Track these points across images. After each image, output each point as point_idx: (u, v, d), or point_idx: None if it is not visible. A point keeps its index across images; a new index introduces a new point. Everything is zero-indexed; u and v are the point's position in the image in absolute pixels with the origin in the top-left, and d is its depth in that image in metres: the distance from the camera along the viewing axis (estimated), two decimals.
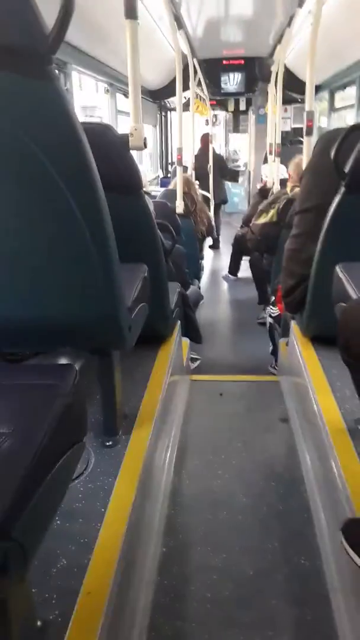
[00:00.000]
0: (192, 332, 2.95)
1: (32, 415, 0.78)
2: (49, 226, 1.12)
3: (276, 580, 1.28)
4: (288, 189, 3.81)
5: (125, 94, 4.94)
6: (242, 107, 8.19)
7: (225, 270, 5.52)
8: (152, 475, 1.50)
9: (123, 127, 4.39)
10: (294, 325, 2.27)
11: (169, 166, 7.96)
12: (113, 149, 1.69)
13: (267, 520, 1.48)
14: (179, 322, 2.48)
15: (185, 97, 4.91)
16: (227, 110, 8.64)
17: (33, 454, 0.71)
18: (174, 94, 4.27)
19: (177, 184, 3.75)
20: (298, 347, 2.09)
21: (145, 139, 1.85)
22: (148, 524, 1.38)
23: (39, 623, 0.87)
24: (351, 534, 1.07)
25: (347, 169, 1.76)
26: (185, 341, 2.71)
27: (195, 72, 5.23)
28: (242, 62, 6.52)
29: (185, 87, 4.43)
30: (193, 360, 3.03)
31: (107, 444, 1.44)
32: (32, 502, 0.67)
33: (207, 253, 6.43)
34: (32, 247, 1.14)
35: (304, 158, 3.02)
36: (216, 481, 1.65)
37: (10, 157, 1.03)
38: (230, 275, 5.41)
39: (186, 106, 5.03)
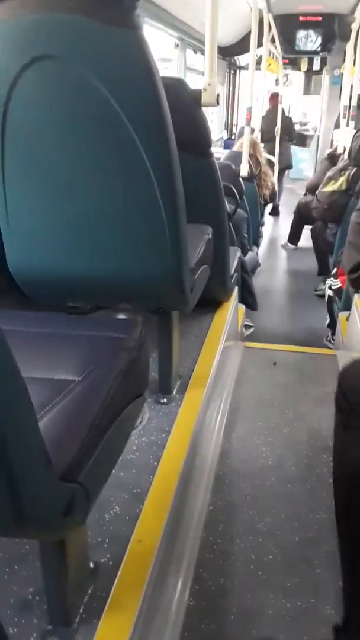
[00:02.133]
0: (249, 298, 2.92)
1: (100, 365, 0.79)
2: (120, 181, 1.11)
3: (322, 551, 1.28)
4: None
5: (195, 50, 4.78)
6: (316, 66, 7.76)
7: (284, 239, 5.38)
8: (203, 435, 1.52)
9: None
10: (357, 300, 2.19)
11: (233, 127, 7.73)
12: (185, 105, 1.65)
13: (315, 491, 1.47)
14: (236, 287, 2.45)
15: (256, 55, 4.70)
16: (299, 69, 8.22)
17: (100, 403, 0.72)
18: (245, 51, 4.11)
19: (244, 145, 3.64)
20: None
21: (218, 95, 1.79)
22: (197, 481, 1.41)
23: (91, 565, 0.92)
24: None
25: None
26: (241, 307, 2.68)
27: (270, 28, 4.98)
28: (320, 18, 6.16)
29: (258, 44, 4.23)
30: (247, 327, 3.01)
31: (162, 401, 1.46)
32: (98, 449, 0.69)
33: (267, 220, 6.27)
34: (101, 200, 1.14)
35: None
36: (266, 447, 1.66)
37: (87, 105, 1.02)
38: (289, 244, 5.26)
39: (257, 64, 4.82)
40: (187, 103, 1.64)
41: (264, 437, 1.71)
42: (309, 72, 8.39)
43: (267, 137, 6.25)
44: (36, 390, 0.55)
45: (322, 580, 1.21)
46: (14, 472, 0.51)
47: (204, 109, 1.73)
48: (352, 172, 3.28)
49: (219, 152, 4.76)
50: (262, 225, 4.94)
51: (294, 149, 8.03)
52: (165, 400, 1.47)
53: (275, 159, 6.41)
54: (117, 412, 0.77)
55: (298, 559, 1.26)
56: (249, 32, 3.69)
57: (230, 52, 6.26)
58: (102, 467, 0.74)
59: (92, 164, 1.10)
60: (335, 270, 3.08)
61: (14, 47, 1.00)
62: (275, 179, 6.11)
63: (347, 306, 2.57)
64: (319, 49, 6.56)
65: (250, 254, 3.46)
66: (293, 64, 7.99)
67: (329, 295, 3.05)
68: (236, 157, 3.68)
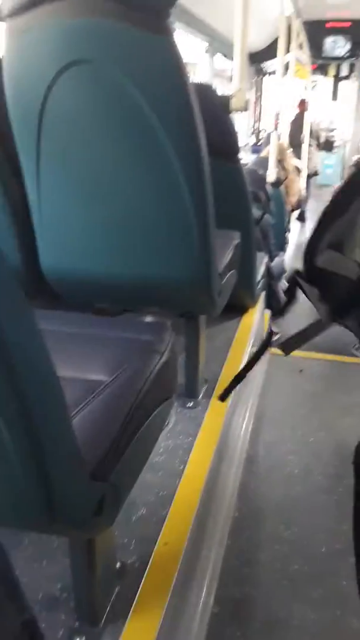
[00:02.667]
0: (274, 304, 2.89)
1: (130, 367, 0.79)
2: (151, 185, 1.12)
3: (349, 563, 1.24)
4: None
5: (225, 55, 4.79)
6: (345, 72, 7.70)
7: None
8: (229, 441, 1.51)
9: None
10: None
11: (260, 133, 7.71)
12: (213, 110, 1.65)
13: (343, 502, 1.45)
14: (263, 292, 2.43)
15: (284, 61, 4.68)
16: (327, 75, 8.16)
17: (130, 404, 0.72)
18: (272, 57, 4.09)
19: (271, 152, 3.62)
20: None
21: (247, 101, 1.79)
22: (223, 487, 1.40)
23: (118, 565, 0.92)
24: None
25: None
26: (267, 313, 2.67)
27: (298, 34, 4.96)
28: (348, 24, 6.11)
29: (286, 50, 4.22)
30: (273, 333, 2.98)
31: (188, 405, 1.46)
32: (128, 450, 0.69)
33: (293, 225, 6.23)
34: (132, 204, 1.15)
35: None
36: (292, 456, 1.64)
37: (120, 109, 1.03)
38: None
39: (285, 70, 4.81)
40: (216, 108, 1.65)
41: (290, 445, 1.69)
42: (337, 78, 8.32)
43: (295, 143, 6.22)
44: (68, 389, 0.55)
45: (349, 593, 1.18)
46: (47, 469, 0.52)
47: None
48: None
49: (245, 158, 4.76)
50: (289, 231, 4.91)
51: (321, 155, 7.97)
52: (191, 404, 1.46)
53: (302, 165, 6.36)
54: (147, 414, 0.78)
55: (324, 570, 1.24)
56: (277, 38, 3.69)
57: (258, 58, 6.25)
58: (132, 468, 0.74)
59: (123, 167, 1.11)
60: None
61: (50, 51, 1.01)
62: (302, 185, 6.07)
63: None
64: (347, 55, 6.50)
65: (276, 259, 3.43)
66: (321, 69, 7.94)
67: None
68: (263, 163, 3.67)
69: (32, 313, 0.47)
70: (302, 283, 0.83)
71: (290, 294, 0.88)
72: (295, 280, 0.84)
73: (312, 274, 0.81)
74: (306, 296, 0.86)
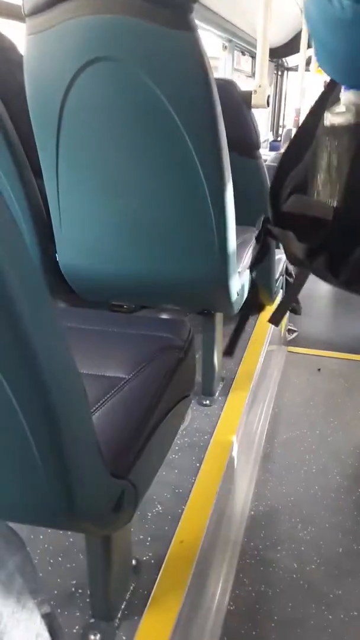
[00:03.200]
0: (292, 302, 2.87)
1: (149, 364, 0.79)
2: (170, 182, 1.11)
3: None
4: None
5: (243, 51, 4.76)
6: None
7: None
8: (245, 439, 1.50)
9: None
10: None
11: (279, 129, 7.65)
12: (235, 106, 1.64)
13: None
14: (281, 291, 2.41)
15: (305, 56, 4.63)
16: None
17: (149, 401, 0.73)
18: (293, 52, 4.06)
19: None
20: None
21: (268, 97, 1.78)
22: (239, 485, 1.40)
23: (133, 562, 0.92)
24: None
25: None
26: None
27: None
28: None
29: (308, 45, 4.17)
30: (290, 331, 2.96)
31: (205, 402, 1.45)
32: (146, 447, 0.70)
33: None
34: (151, 202, 1.14)
35: None
36: (309, 455, 1.62)
37: (141, 106, 1.03)
38: None
39: (306, 65, 4.76)
40: (237, 104, 1.64)
41: (307, 444, 1.68)
42: None
43: None
44: (88, 386, 0.56)
45: None
46: (68, 466, 0.52)
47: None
48: None
49: (265, 154, 4.72)
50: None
51: None
52: (207, 402, 1.46)
53: None
54: (165, 411, 0.78)
55: (341, 571, 1.23)
56: (298, 33, 3.66)
57: (278, 54, 6.19)
58: (150, 465, 0.74)
59: (143, 164, 1.11)
60: None
61: (72, 48, 1.02)
62: None
63: None
64: None
65: None
66: None
67: None
68: None
69: (54, 310, 0.48)
70: (273, 229, 0.85)
71: (263, 244, 0.88)
72: (266, 229, 0.84)
73: (280, 220, 0.83)
74: (279, 241, 0.86)
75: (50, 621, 0.38)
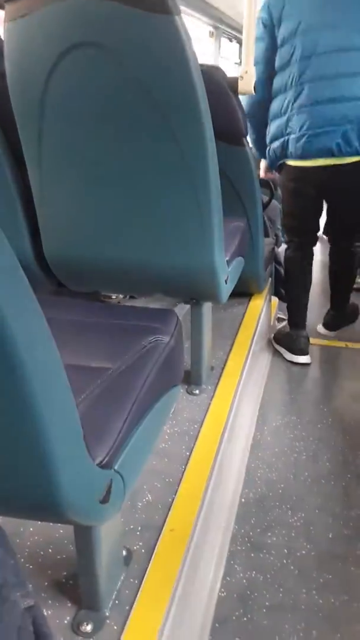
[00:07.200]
0: (282, 290, 2.87)
1: (136, 354, 0.79)
2: (155, 169, 1.10)
3: (357, 548, 1.25)
4: None
5: (230, 38, 4.72)
6: None
7: (320, 230, 5.26)
8: (235, 427, 1.51)
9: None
10: None
11: None
12: (221, 93, 1.62)
13: (350, 488, 1.45)
14: (270, 279, 2.42)
15: None
16: None
17: (136, 391, 0.72)
18: None
19: None
20: None
21: (255, 83, 1.76)
22: (229, 472, 1.40)
23: (124, 552, 0.92)
24: None
25: None
26: (274, 299, 2.65)
27: None
28: None
29: None
30: (280, 320, 2.97)
31: (194, 392, 1.46)
32: (134, 437, 0.69)
33: None
34: (137, 190, 1.13)
35: None
36: (299, 442, 1.64)
37: (123, 92, 1.02)
38: (324, 236, 5.16)
39: None
40: (223, 90, 1.62)
41: (297, 431, 1.69)
42: None
43: None
44: (74, 377, 0.55)
45: (356, 578, 1.19)
46: (53, 458, 0.51)
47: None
48: None
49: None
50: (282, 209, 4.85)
51: None
52: (197, 391, 1.46)
53: None
54: (153, 401, 0.77)
55: (331, 555, 1.24)
56: None
57: None
58: (138, 455, 0.74)
59: (127, 152, 1.09)
60: None
61: (52, 34, 1.00)
62: None
63: None
64: None
65: (283, 245, 3.41)
66: None
67: None
68: None
69: (35, 300, 0.47)
70: None
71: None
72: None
73: None
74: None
75: (34, 614, 0.38)
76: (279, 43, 1.89)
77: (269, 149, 2.06)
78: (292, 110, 1.88)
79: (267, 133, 2.06)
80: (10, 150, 1.20)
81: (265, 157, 2.17)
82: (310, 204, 2.11)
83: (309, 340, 2.25)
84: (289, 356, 2.21)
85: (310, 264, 2.30)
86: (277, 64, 1.91)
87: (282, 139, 1.96)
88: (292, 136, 1.91)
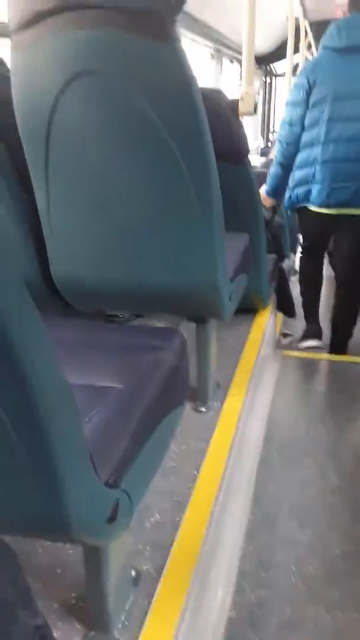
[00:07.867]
0: (286, 306, 2.88)
1: (141, 374, 0.80)
2: (159, 191, 1.13)
3: None
4: None
5: (231, 60, 4.81)
6: None
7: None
8: (242, 444, 1.51)
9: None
10: None
11: (270, 135, 7.70)
12: (222, 114, 1.66)
13: (358, 502, 1.44)
14: (274, 294, 2.43)
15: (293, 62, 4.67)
16: None
17: (142, 410, 0.73)
18: (281, 58, 4.10)
19: None
20: None
21: (256, 104, 1.79)
22: (237, 490, 1.40)
23: (133, 572, 0.92)
24: None
25: None
26: (279, 315, 2.66)
27: (306, 34, 4.96)
28: None
29: (295, 51, 4.21)
30: (285, 335, 2.97)
31: (201, 409, 1.46)
32: (139, 456, 0.70)
33: None
34: (141, 211, 1.16)
35: None
36: (306, 458, 1.63)
37: (127, 118, 1.05)
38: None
39: (293, 71, 4.80)
40: (224, 112, 1.66)
41: (304, 447, 1.68)
42: None
43: None
44: (79, 396, 0.56)
45: None
46: (60, 477, 0.52)
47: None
48: None
49: (256, 160, 4.75)
50: (299, 232, 4.88)
51: None
52: (203, 409, 1.47)
53: None
54: (158, 420, 0.78)
55: (340, 572, 1.23)
56: (285, 41, 3.69)
57: (266, 60, 6.25)
58: (144, 474, 0.74)
59: (131, 175, 1.12)
60: None
61: (57, 64, 1.03)
62: None
63: None
64: None
65: (287, 261, 3.42)
66: None
67: None
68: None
69: (41, 321, 0.48)
70: None
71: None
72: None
73: None
74: None
75: (43, 633, 0.39)
76: (310, 104, 2.24)
77: (292, 192, 2.42)
78: (318, 165, 2.26)
79: (290, 179, 2.43)
80: (18, 174, 1.24)
81: (277, 197, 2.56)
82: (325, 236, 2.59)
83: (321, 330, 2.58)
84: (302, 344, 2.56)
85: (322, 263, 2.74)
86: (307, 122, 2.27)
87: (306, 187, 2.34)
88: (316, 186, 2.29)
